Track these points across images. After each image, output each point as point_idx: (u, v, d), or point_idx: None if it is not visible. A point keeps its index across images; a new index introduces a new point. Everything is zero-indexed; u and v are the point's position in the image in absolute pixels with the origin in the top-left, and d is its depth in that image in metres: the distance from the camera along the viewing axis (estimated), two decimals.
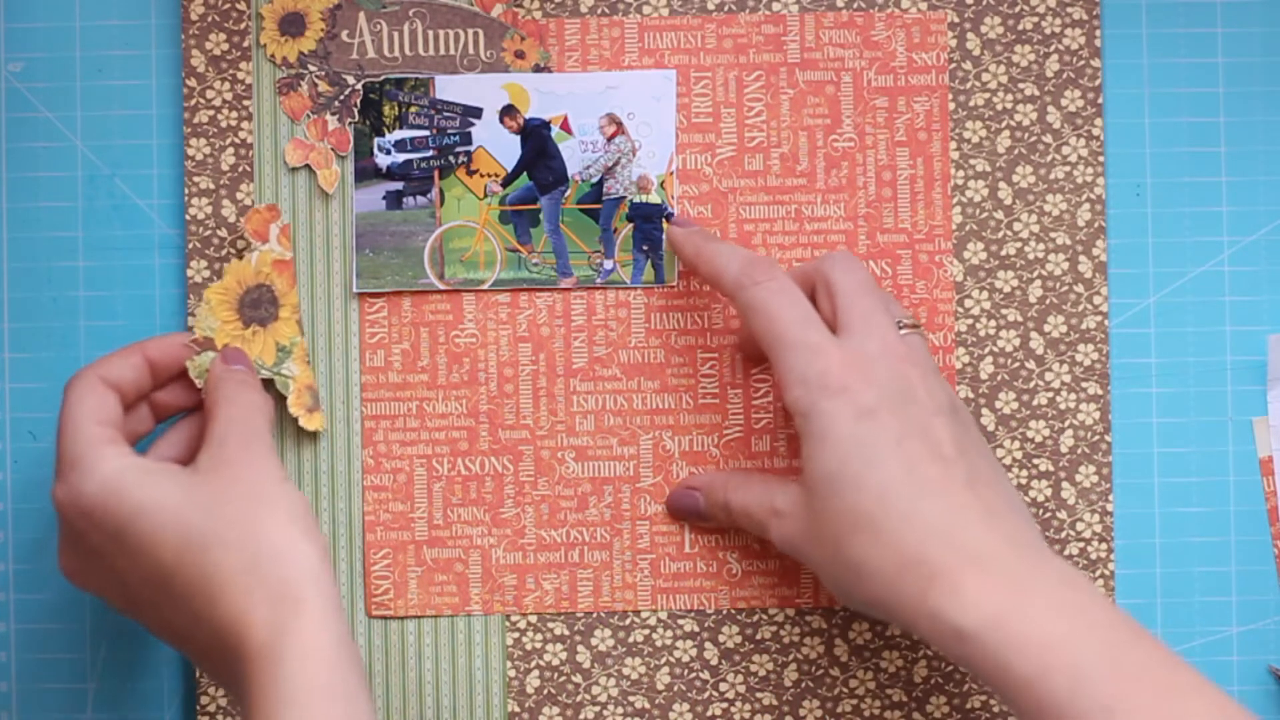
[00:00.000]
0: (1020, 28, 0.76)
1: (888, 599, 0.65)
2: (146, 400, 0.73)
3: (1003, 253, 0.76)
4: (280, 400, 0.75)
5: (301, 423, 0.75)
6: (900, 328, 0.70)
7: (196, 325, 0.74)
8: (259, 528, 0.66)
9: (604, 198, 0.76)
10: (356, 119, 0.76)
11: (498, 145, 0.76)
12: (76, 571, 0.69)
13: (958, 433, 0.68)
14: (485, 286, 0.76)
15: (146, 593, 0.66)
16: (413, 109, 0.76)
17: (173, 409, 0.73)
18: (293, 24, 0.76)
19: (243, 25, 0.76)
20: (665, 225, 0.76)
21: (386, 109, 0.76)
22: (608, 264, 0.76)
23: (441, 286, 0.76)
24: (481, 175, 0.76)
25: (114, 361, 0.71)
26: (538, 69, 0.76)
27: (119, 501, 0.66)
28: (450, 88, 0.76)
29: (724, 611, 0.76)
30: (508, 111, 0.76)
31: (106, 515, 0.66)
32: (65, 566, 0.69)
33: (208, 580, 0.65)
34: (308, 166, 0.76)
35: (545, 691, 0.76)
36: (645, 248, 0.76)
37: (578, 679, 0.76)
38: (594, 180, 0.76)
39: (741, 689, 0.76)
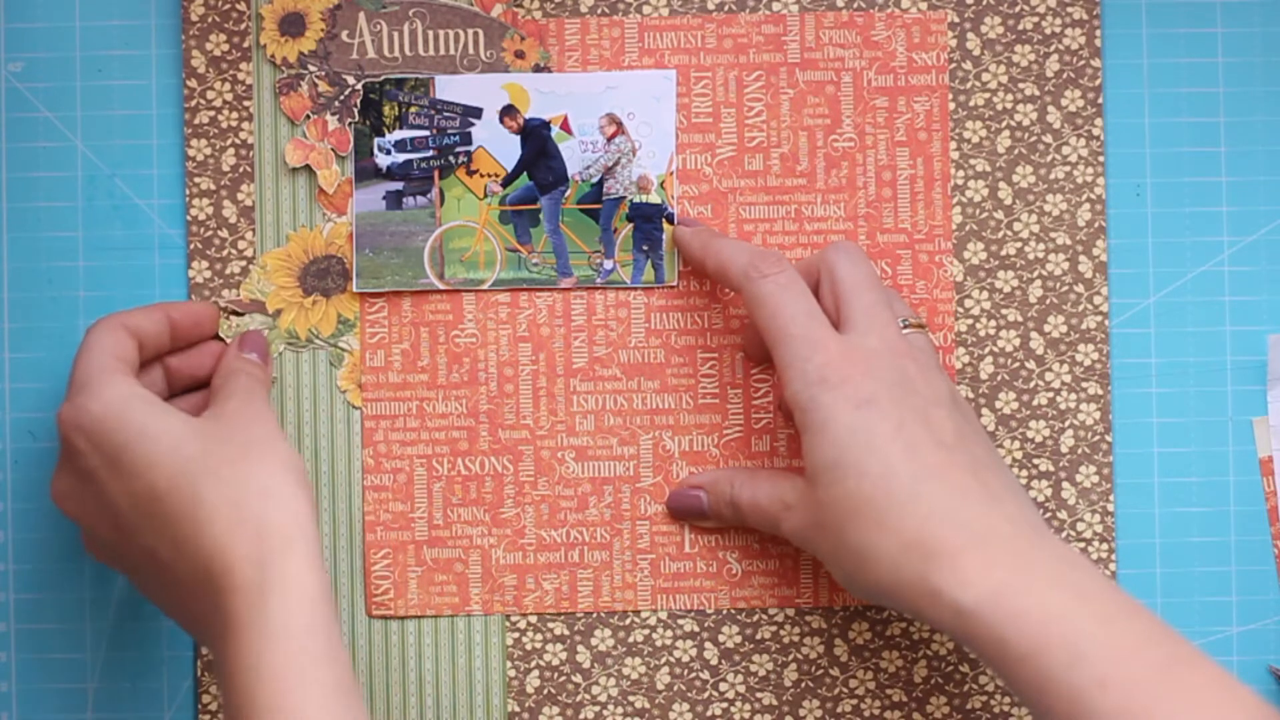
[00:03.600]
0: (1020, 28, 0.76)
1: (890, 582, 0.66)
2: (163, 364, 0.73)
3: (1003, 253, 0.77)
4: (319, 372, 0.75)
5: (349, 397, 0.76)
6: (905, 326, 0.71)
7: (244, 288, 0.74)
8: (252, 468, 0.66)
9: (604, 198, 0.76)
10: (356, 119, 0.76)
11: (498, 145, 0.76)
12: (67, 495, 0.69)
13: (959, 422, 0.68)
14: (485, 286, 0.76)
15: (134, 518, 0.66)
16: (413, 109, 0.76)
17: (187, 380, 0.74)
18: (293, 24, 0.76)
19: (243, 26, 0.76)
20: (669, 225, 0.76)
21: (386, 109, 0.76)
22: (608, 264, 0.76)
23: (441, 286, 0.76)
24: (481, 175, 0.76)
25: (138, 312, 0.72)
26: (538, 69, 0.76)
27: (122, 423, 0.67)
28: (450, 88, 0.76)
29: (724, 611, 0.76)
30: (508, 111, 0.76)
31: (106, 435, 0.67)
32: (56, 490, 0.69)
33: (196, 506, 0.65)
34: (308, 167, 0.76)
35: (545, 691, 0.76)
36: (645, 248, 0.76)
37: (578, 679, 0.76)
38: (594, 180, 0.76)
39: (741, 689, 0.76)
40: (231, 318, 0.75)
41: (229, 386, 0.71)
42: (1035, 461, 0.76)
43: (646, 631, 0.76)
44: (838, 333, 0.69)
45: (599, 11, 0.76)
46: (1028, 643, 0.62)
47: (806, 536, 0.70)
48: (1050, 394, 0.76)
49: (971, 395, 0.76)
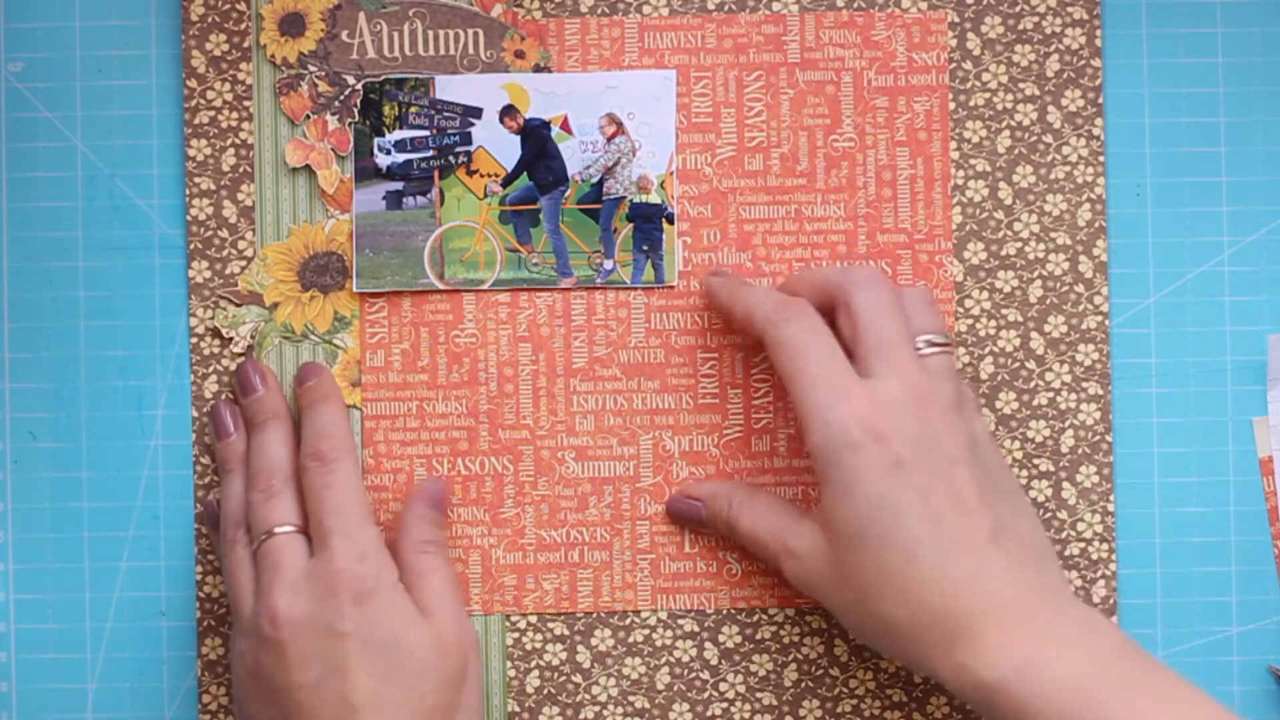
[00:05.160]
0: (1020, 27, 0.76)
1: (914, 653, 0.67)
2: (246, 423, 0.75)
3: (1003, 253, 0.77)
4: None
5: (343, 395, 0.76)
6: (930, 345, 0.71)
7: (243, 279, 0.75)
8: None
9: (604, 198, 0.76)
10: (356, 119, 0.76)
11: (498, 145, 0.76)
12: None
13: (979, 478, 0.69)
14: (485, 286, 0.76)
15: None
16: (413, 109, 0.76)
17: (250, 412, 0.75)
18: (293, 24, 0.76)
19: (243, 26, 0.76)
20: (669, 226, 0.76)
21: (386, 109, 0.76)
22: (608, 264, 0.76)
23: (441, 286, 0.76)
24: (481, 175, 0.76)
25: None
26: (538, 69, 0.76)
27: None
28: (450, 88, 0.76)
29: (724, 611, 0.76)
30: (508, 111, 0.76)
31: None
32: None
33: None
34: (308, 167, 0.76)
35: (545, 691, 0.76)
36: (645, 248, 0.76)
37: (578, 679, 0.76)
38: (594, 180, 0.76)
39: (741, 689, 0.76)
40: (232, 307, 0.75)
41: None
42: (1035, 461, 0.76)
43: (646, 631, 0.76)
44: (858, 375, 0.69)
45: (599, 11, 0.76)
46: (1050, 713, 0.64)
47: (818, 590, 0.70)
48: (1050, 394, 0.76)
49: (972, 396, 0.76)
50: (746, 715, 0.76)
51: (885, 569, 0.67)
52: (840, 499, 0.68)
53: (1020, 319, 0.76)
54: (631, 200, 0.76)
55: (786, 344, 0.70)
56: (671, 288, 0.76)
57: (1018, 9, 0.76)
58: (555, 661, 0.76)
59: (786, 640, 0.76)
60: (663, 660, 0.76)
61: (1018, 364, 0.77)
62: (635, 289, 0.76)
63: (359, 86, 0.76)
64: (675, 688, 0.76)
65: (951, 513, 0.67)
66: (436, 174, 0.76)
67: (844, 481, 0.68)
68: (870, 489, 0.67)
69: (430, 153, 0.76)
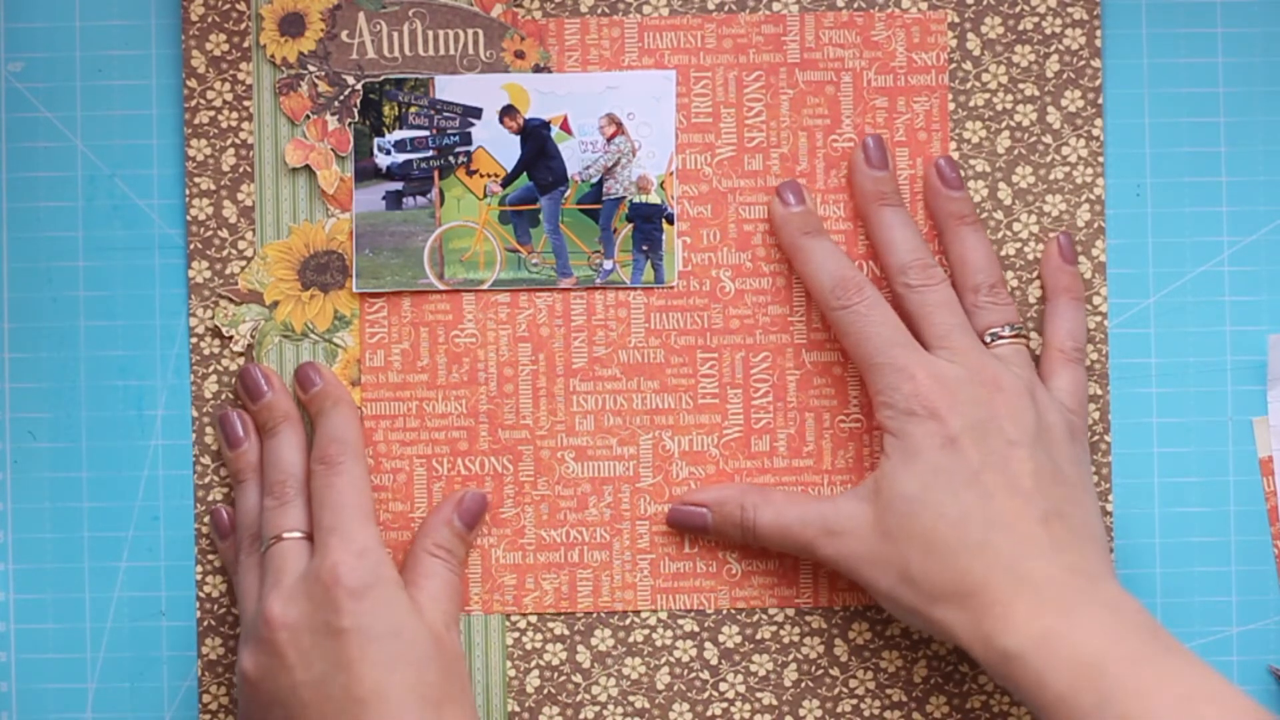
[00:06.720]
0: (1020, 28, 0.76)
1: (946, 622, 0.68)
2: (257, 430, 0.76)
3: (1003, 253, 0.77)
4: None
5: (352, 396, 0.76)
6: (995, 340, 0.72)
7: (243, 278, 0.75)
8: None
9: (604, 198, 0.76)
10: (356, 119, 0.76)
11: (498, 145, 0.76)
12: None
13: (1039, 463, 0.70)
14: (485, 286, 0.76)
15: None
16: (413, 109, 0.76)
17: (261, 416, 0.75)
18: (293, 24, 0.76)
19: (243, 26, 0.76)
20: (669, 226, 0.76)
21: (386, 109, 0.76)
22: (607, 264, 0.76)
23: (441, 286, 0.76)
24: (481, 175, 0.76)
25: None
26: (538, 69, 0.76)
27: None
28: (450, 88, 0.76)
29: (724, 611, 0.76)
30: (508, 111, 0.76)
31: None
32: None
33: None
34: (308, 167, 0.76)
35: (545, 691, 0.76)
36: (645, 248, 0.76)
37: (578, 679, 0.76)
38: (594, 180, 0.76)
39: (741, 689, 0.76)
40: (234, 305, 0.75)
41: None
42: None
43: (646, 631, 0.76)
44: (925, 352, 0.71)
45: (599, 11, 0.76)
46: (1062, 686, 0.65)
47: (855, 564, 0.71)
48: None
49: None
50: (746, 715, 0.76)
51: (936, 536, 0.69)
52: (900, 468, 0.70)
53: (1020, 319, 0.76)
54: (631, 200, 0.76)
55: (847, 328, 0.72)
56: (671, 288, 0.76)
57: (1018, 9, 0.76)
58: (555, 661, 0.76)
59: (786, 640, 0.76)
60: (663, 660, 0.76)
61: None
62: (635, 289, 0.76)
63: (359, 86, 0.76)
64: (675, 688, 0.76)
65: (1003, 492, 0.69)
66: (436, 174, 0.76)
67: (906, 451, 0.70)
68: (929, 458, 0.69)
69: (430, 153, 0.76)
